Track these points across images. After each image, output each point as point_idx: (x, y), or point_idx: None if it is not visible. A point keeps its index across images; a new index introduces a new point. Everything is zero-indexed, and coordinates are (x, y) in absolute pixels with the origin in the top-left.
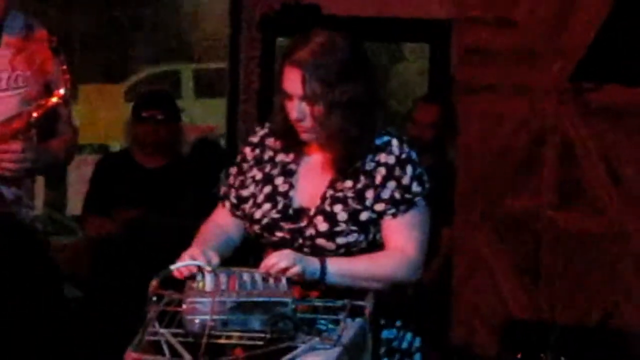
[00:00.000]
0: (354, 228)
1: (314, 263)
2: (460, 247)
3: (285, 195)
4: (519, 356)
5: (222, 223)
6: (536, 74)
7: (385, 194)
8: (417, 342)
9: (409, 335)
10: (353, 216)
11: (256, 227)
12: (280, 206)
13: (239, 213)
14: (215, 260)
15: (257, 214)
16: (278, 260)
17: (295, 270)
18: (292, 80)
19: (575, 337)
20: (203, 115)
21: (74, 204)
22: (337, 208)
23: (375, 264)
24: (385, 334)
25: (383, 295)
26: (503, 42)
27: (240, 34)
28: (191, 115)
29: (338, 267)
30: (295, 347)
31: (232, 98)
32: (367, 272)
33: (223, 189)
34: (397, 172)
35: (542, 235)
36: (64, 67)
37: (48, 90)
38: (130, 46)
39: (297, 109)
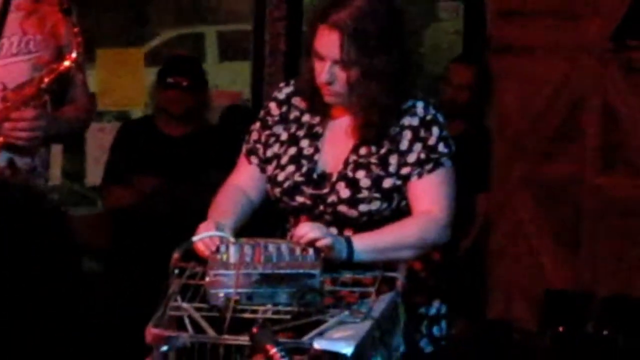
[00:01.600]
0: (376, 195)
1: (341, 240)
2: (497, 215)
3: (310, 158)
4: (560, 329)
5: (243, 184)
6: (575, 33)
7: (412, 158)
8: (444, 309)
9: (436, 302)
10: (376, 183)
11: (277, 190)
12: (304, 169)
13: (266, 169)
14: (229, 233)
15: (280, 176)
16: (308, 230)
17: (326, 241)
18: (328, 43)
19: (618, 309)
20: (228, 80)
21: (93, 174)
22: (360, 174)
23: (402, 232)
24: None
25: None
26: (541, 1)
27: None
28: (215, 79)
29: (365, 244)
30: (324, 321)
31: (258, 61)
32: (395, 242)
33: (248, 145)
34: (423, 133)
35: (583, 202)
36: (76, 29)
37: (60, 55)
38: (150, 7)
39: (328, 72)
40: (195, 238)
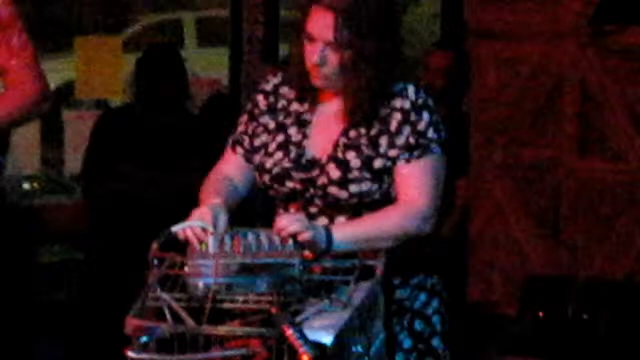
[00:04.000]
0: (367, 176)
1: (321, 231)
2: (476, 200)
3: (298, 145)
4: (540, 314)
5: (230, 172)
6: (553, 17)
7: (400, 140)
8: (435, 304)
9: (422, 296)
10: (366, 163)
11: (266, 177)
12: (292, 155)
13: (251, 158)
14: (224, 218)
15: (268, 163)
16: (289, 223)
17: (306, 236)
18: (321, 24)
19: (598, 293)
20: (206, 65)
21: (72, 162)
22: (350, 155)
23: (383, 222)
24: (399, 293)
25: (397, 253)
26: None
27: None
28: (194, 65)
29: (344, 233)
30: (304, 310)
31: (235, 48)
32: (375, 232)
33: (234, 136)
34: (413, 117)
35: (562, 185)
36: None
37: None
38: None
39: (319, 54)
40: (174, 228)
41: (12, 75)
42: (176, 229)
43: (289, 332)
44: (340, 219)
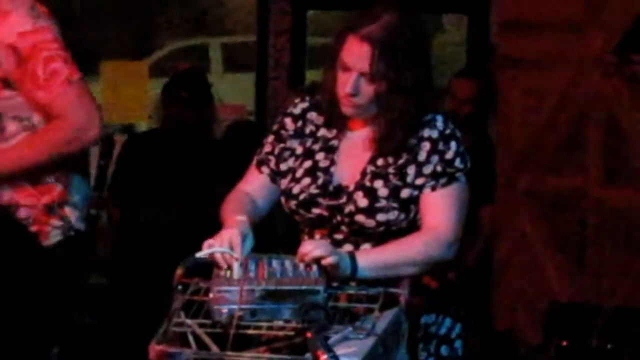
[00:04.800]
0: (394, 205)
1: (346, 257)
2: (501, 228)
3: (325, 171)
4: (564, 343)
5: (252, 191)
6: (580, 46)
7: (428, 169)
8: (458, 329)
9: (447, 321)
10: (394, 192)
11: (293, 203)
12: (320, 182)
13: (277, 179)
14: (250, 239)
15: (295, 189)
16: (313, 248)
17: (330, 260)
18: (357, 54)
19: (622, 322)
20: (232, 91)
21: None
22: (378, 184)
23: (407, 249)
24: (424, 318)
25: (422, 281)
26: (545, 13)
27: (269, 6)
28: (220, 91)
29: (369, 260)
30: (328, 337)
31: (261, 74)
32: (399, 259)
33: (259, 156)
34: (441, 146)
35: (587, 214)
36: None
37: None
38: (155, 19)
39: (353, 84)
40: (199, 254)
41: (47, 109)
42: (201, 255)
43: (324, 357)
44: (366, 246)
